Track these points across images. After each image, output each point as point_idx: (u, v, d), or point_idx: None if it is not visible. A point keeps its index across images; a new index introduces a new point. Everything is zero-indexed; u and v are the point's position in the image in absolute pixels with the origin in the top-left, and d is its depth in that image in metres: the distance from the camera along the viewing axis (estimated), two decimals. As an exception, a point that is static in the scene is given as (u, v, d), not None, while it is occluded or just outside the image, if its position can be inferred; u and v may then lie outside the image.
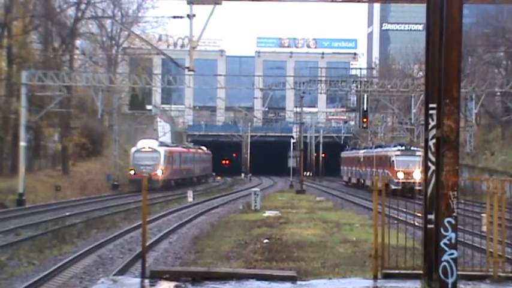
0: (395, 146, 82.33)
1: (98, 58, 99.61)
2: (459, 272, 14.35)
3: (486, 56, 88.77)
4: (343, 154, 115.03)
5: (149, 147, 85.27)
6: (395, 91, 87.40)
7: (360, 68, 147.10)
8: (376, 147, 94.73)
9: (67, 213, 47.77)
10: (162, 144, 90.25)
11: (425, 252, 14.95)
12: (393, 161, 76.45)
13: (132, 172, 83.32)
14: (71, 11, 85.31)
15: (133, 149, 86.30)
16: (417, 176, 67.98)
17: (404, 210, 28.64)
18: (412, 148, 78.34)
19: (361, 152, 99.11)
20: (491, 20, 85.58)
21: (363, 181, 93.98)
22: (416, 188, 59.15)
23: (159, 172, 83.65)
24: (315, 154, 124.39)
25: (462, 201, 17.41)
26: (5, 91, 74.64)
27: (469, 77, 75.06)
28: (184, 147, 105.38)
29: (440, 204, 14.35)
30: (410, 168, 72.36)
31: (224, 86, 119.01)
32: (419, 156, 68.46)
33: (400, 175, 73.00)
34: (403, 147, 79.06)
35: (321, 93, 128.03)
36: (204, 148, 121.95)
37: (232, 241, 34.26)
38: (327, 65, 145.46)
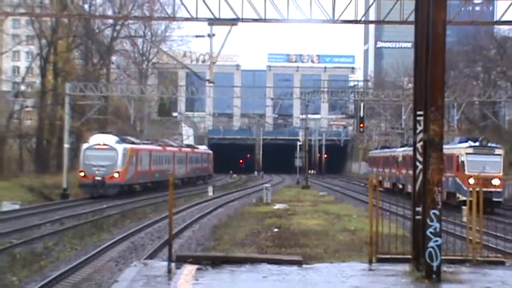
0: (463, 141, 52.64)
1: (130, 72, 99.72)
2: (443, 257, 14.40)
3: (466, 70, 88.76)
4: (372, 154, 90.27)
5: (104, 144, 59.52)
6: (388, 100, 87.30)
7: (357, 80, 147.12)
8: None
9: (104, 206, 47.80)
10: (123, 140, 63.09)
11: (414, 240, 14.98)
12: (462, 162, 49.33)
13: (82, 174, 58.74)
14: (108, 31, 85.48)
15: (85, 146, 60.79)
16: (497, 182, 46.04)
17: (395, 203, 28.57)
18: (489, 145, 51.67)
19: (400, 151, 72.17)
20: (470, 39, 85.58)
21: (401, 186, 63.16)
22: (495, 200, 46.32)
23: (115, 175, 58.54)
24: (318, 155, 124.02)
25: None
26: (51, 101, 74.85)
27: (452, 88, 74.93)
28: (159, 145, 75.91)
29: (426, 198, 14.41)
30: (488, 172, 46.38)
31: (239, 95, 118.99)
32: (500, 155, 50.16)
33: (473, 181, 40.73)
34: (477, 143, 51.13)
35: (323, 102, 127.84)
36: (204, 147, 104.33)
37: (247, 230, 34.20)
38: (329, 78, 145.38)
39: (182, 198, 56.40)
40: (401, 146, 74.60)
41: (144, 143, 70.10)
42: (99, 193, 56.78)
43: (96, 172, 57.73)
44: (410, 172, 50.59)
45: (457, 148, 50.75)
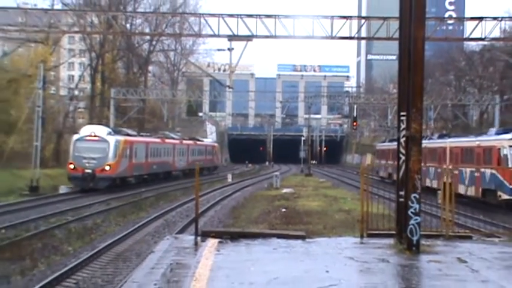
0: (503, 132, 38.06)
1: (164, 79, 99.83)
2: (421, 232, 14.36)
3: (441, 78, 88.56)
4: (380, 146, 73.03)
5: (95, 135, 48.90)
6: (377, 103, 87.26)
7: (351, 87, 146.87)
8: (452, 136, 49.03)
9: (143, 190, 47.86)
10: (115, 131, 52.96)
11: (397, 218, 14.95)
12: (506, 155, 34.63)
13: (71, 166, 47.73)
14: (146, 46, 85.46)
15: (75, 137, 49.72)
16: None
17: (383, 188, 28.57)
18: None
19: (425, 142, 45.80)
20: (444, 52, 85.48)
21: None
22: None
23: (106, 167, 47.92)
24: (318, 148, 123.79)
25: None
26: (99, 103, 74.99)
27: (429, 93, 74.57)
28: (158, 137, 64.92)
29: (408, 184, 14.37)
30: None
31: (254, 99, 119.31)
32: None
33: None
34: None
35: (323, 104, 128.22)
36: (209, 140, 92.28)
37: (260, 210, 34.20)
38: (328, 84, 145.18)
39: (206, 184, 56.34)
40: (428, 137, 55.59)
41: (141, 135, 59.88)
42: (89, 186, 46.06)
43: (86, 164, 47.10)
44: (431, 164, 43.84)
45: (498, 140, 36.81)
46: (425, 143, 47.72)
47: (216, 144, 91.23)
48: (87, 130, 49.74)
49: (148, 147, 57.30)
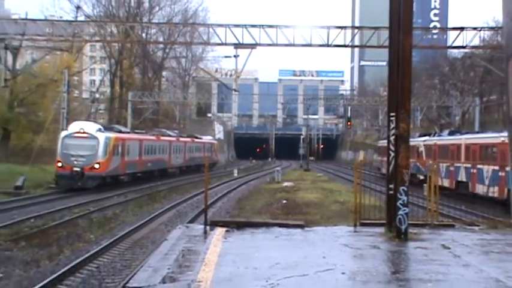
0: None
1: (176, 83, 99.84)
2: (409, 222, 14.33)
3: (426, 82, 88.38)
4: (382, 144, 53.95)
5: (84, 132, 42.22)
6: (368, 105, 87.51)
7: (346, 90, 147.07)
8: (466, 133, 43.17)
9: (159, 183, 47.83)
10: (106, 128, 46.55)
11: (387, 209, 14.92)
12: None
13: (59, 164, 41.19)
14: (160, 53, 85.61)
15: (63, 133, 42.93)
16: None
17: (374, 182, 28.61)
18: None
19: (421, 140, 48.42)
20: (429, 59, 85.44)
21: (422, 177, 36.19)
22: None
23: (95, 166, 41.39)
24: (316, 145, 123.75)
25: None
26: (118, 105, 75.11)
27: (416, 95, 74.55)
28: (153, 134, 57.93)
29: (397, 178, 14.34)
30: None
31: (257, 101, 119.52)
32: None
33: None
34: None
35: (320, 106, 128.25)
36: (209, 137, 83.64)
37: (263, 202, 34.22)
38: (324, 88, 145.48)
39: (214, 178, 56.29)
40: (421, 136, 51.79)
41: (135, 133, 53.68)
42: (77, 186, 39.98)
43: (75, 162, 40.84)
44: (442, 162, 36.94)
45: None
46: (435, 140, 45.64)
47: (215, 142, 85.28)
48: (75, 127, 42.97)
49: (142, 144, 51.22)
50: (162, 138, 58.68)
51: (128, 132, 50.65)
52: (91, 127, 43.21)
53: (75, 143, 41.38)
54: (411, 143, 42.76)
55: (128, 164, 47.02)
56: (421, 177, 39.73)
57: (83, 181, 40.46)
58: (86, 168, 40.80)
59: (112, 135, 44.41)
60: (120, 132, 47.87)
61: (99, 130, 43.15)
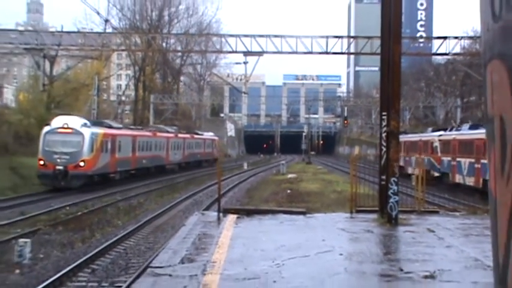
0: None
1: (192, 87, 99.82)
2: (399, 209, 14.32)
3: (414, 85, 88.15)
4: (405, 138, 44.90)
5: (68, 127, 34.42)
6: (363, 105, 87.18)
7: (343, 92, 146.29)
8: None
9: (177, 175, 47.85)
10: (95, 123, 38.41)
11: (380, 198, 14.90)
12: None
13: (41, 162, 33.74)
14: (178, 60, 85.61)
15: (45, 129, 34.96)
16: None
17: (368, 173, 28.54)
18: None
19: (436, 135, 40.71)
20: (416, 64, 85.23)
21: (437, 174, 37.52)
22: None
23: (80, 164, 33.83)
24: (316, 141, 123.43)
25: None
26: (141, 106, 75.22)
27: (405, 97, 74.36)
28: (149, 131, 50.40)
29: (388, 170, 14.32)
30: None
31: (264, 102, 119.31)
32: None
33: None
34: None
35: (320, 106, 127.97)
36: (210, 134, 74.54)
37: (269, 191, 34.21)
38: (324, 90, 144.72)
39: (227, 171, 56.23)
40: (434, 131, 43.80)
41: (130, 129, 47.17)
42: (60, 185, 32.82)
43: (58, 160, 33.27)
44: (463, 158, 32.76)
45: None
46: (454, 135, 36.56)
47: (216, 138, 75.96)
48: (59, 121, 34.94)
49: (136, 140, 43.62)
50: (159, 134, 51.07)
51: (120, 128, 43.22)
52: (75, 122, 35.14)
53: (58, 139, 33.97)
54: (424, 139, 38.06)
55: (120, 161, 39.40)
56: (436, 174, 36.67)
57: (66, 180, 33.14)
58: (70, 167, 33.31)
59: (100, 130, 36.68)
60: (111, 127, 39.92)
61: (85, 125, 35.25)
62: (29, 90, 62.37)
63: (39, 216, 23.28)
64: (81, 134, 34.26)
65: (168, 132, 54.70)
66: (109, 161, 37.51)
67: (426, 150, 38.74)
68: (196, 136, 65.14)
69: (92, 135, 34.90)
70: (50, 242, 18.21)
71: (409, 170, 40.57)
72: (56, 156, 33.53)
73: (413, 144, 45.60)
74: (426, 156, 34.92)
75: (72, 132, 34.18)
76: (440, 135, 39.46)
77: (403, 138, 44.79)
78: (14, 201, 27.21)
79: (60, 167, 33.26)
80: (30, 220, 22.31)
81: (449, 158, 36.02)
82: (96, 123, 38.69)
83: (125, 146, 40.77)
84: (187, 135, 61.13)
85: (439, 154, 37.30)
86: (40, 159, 33.63)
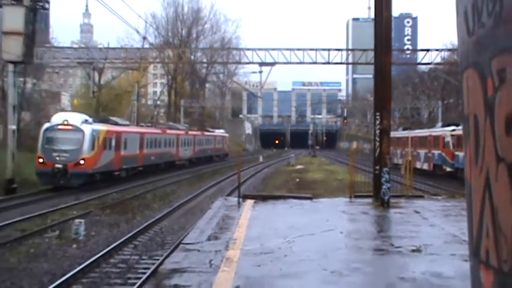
0: None
1: (216, 92, 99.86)
2: (391, 194, 14.27)
3: (402, 90, 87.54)
4: (395, 134, 42.53)
5: (68, 124, 27.89)
6: (359, 107, 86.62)
7: (342, 96, 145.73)
8: None
9: (203, 166, 47.84)
10: (98, 120, 31.40)
11: (374, 185, 14.85)
12: None
13: (40, 161, 27.23)
14: (204, 70, 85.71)
15: (45, 126, 28.54)
16: None
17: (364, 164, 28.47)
18: None
19: (448, 130, 34.55)
20: (404, 72, 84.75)
21: (449, 169, 32.29)
22: None
23: (80, 162, 27.27)
24: (321, 138, 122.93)
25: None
26: (173, 109, 75.38)
27: (394, 99, 73.74)
28: (159, 128, 45.26)
29: (381, 161, 14.26)
30: None
31: (276, 105, 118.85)
32: None
33: None
34: None
35: (323, 108, 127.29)
36: (221, 131, 68.53)
37: (281, 180, 34.24)
38: (326, 95, 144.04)
39: (245, 163, 55.99)
40: (444, 126, 37.43)
41: (140, 126, 42.22)
42: (59, 184, 27.03)
43: (57, 158, 27.32)
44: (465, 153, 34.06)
45: None
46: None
47: (226, 135, 68.56)
48: (59, 118, 29.13)
49: (144, 137, 37.29)
50: (169, 131, 45.11)
51: (127, 125, 37.07)
52: (76, 118, 29.05)
53: (58, 137, 28.03)
54: (434, 133, 35.63)
55: (125, 159, 33.19)
56: (448, 169, 31.83)
57: (66, 179, 27.27)
58: (70, 165, 27.35)
59: (102, 127, 30.38)
60: (116, 124, 33.83)
61: (86, 122, 29.03)
62: (81, 96, 62.90)
63: (91, 201, 23.48)
64: (81, 131, 28.09)
65: (178, 129, 49.18)
66: (113, 159, 31.18)
67: (437, 145, 33.92)
68: (206, 133, 58.86)
69: (93, 132, 28.65)
70: (100, 222, 18.38)
71: (418, 165, 35.15)
72: (55, 154, 27.56)
73: (421, 139, 39.75)
74: (436, 151, 32.62)
75: (72, 129, 28.10)
76: (453, 130, 33.54)
77: (409, 134, 44.00)
78: (70, 190, 27.24)
79: (59, 166, 27.23)
80: (84, 204, 22.51)
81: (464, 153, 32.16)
82: (100, 120, 32.44)
83: (132, 143, 34.40)
84: (198, 132, 55.31)
85: (452, 149, 32.13)
86: (39, 157, 27.61)
